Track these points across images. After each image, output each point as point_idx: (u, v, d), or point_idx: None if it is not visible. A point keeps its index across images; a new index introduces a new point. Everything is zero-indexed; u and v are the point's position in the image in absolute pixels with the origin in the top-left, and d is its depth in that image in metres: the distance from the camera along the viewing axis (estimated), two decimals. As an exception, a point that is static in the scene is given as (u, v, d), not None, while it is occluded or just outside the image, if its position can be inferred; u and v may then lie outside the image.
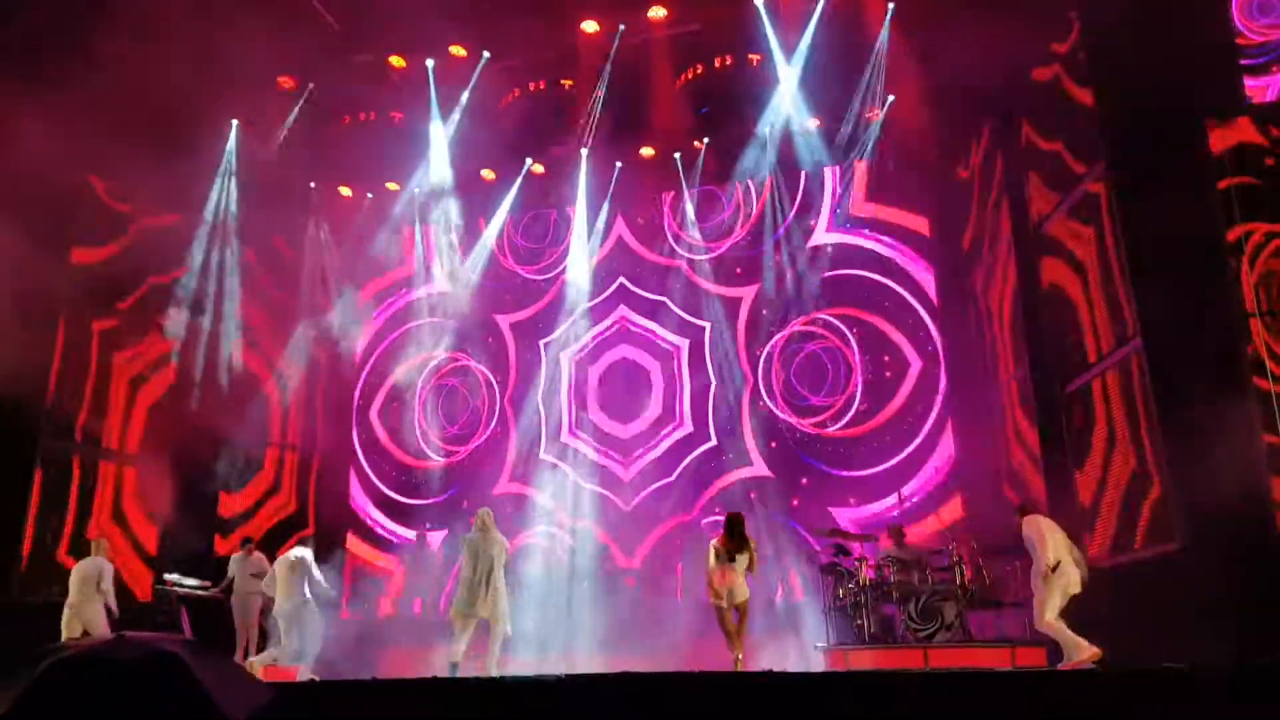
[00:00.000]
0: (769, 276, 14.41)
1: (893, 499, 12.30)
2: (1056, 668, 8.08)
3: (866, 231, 14.05)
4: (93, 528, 11.62)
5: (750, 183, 14.69)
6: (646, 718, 5.91)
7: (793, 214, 14.48)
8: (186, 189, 13.15)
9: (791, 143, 13.74)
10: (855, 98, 12.85)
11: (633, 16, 12.38)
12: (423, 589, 14.17)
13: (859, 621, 10.04)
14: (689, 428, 14.28)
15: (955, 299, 13.35)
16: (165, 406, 13.08)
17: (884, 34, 12.05)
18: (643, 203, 15.35)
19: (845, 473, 13.27)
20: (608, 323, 15.09)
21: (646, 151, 14.49)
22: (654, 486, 14.08)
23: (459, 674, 8.83)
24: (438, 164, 14.47)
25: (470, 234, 15.88)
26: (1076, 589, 8.08)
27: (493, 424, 15.27)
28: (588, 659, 11.21)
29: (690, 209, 14.91)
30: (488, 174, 15.20)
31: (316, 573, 10.28)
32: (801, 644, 11.25)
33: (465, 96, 13.52)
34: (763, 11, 12.03)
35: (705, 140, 14.28)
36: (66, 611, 9.90)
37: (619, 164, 14.77)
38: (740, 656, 8.55)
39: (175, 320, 13.16)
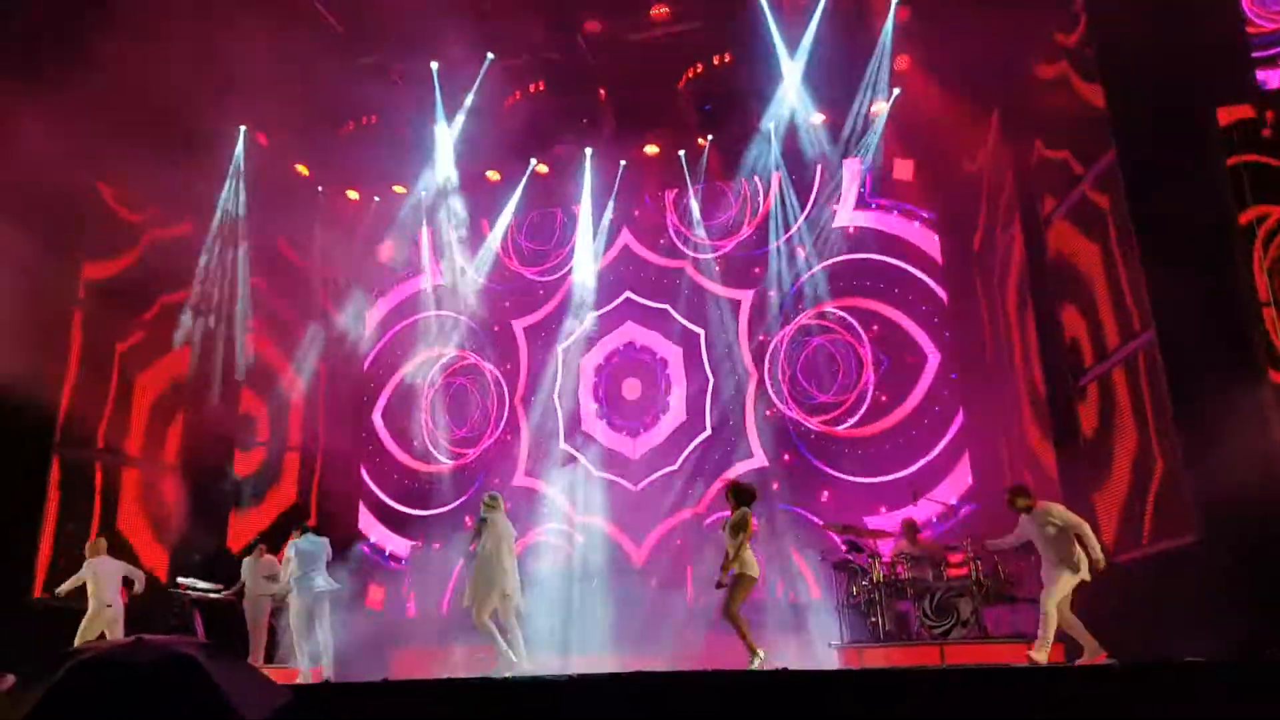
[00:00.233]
0: (774, 272, 14.38)
1: (904, 511, 12.17)
2: (1075, 663, 8.05)
3: (873, 226, 14.02)
4: (93, 533, 11.60)
5: (756, 178, 14.67)
6: (658, 718, 5.90)
7: (798, 208, 14.44)
8: (196, 195, 13.19)
9: (796, 137, 13.74)
10: (860, 91, 12.81)
11: (635, 15, 12.40)
12: (431, 587, 14.17)
13: (873, 619, 10.01)
14: (703, 429, 14.24)
15: (964, 293, 13.32)
16: (177, 411, 13.11)
17: (888, 26, 12.02)
18: (648, 201, 15.33)
19: (861, 479, 13.14)
20: (616, 321, 15.08)
21: (651, 149, 14.48)
22: (660, 473, 14.09)
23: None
24: (443, 166, 14.49)
25: (476, 235, 15.89)
26: (1087, 577, 8.04)
27: (502, 425, 15.26)
28: (598, 659, 11.19)
29: (695, 206, 14.89)
30: (492, 175, 15.21)
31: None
32: (815, 642, 11.20)
33: (469, 98, 13.55)
34: (765, 7, 12.01)
35: (709, 137, 14.26)
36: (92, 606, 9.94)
37: (623, 162, 14.77)
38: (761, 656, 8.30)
39: (187, 325, 13.19)
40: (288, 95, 13.57)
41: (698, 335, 14.58)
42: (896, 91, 12.74)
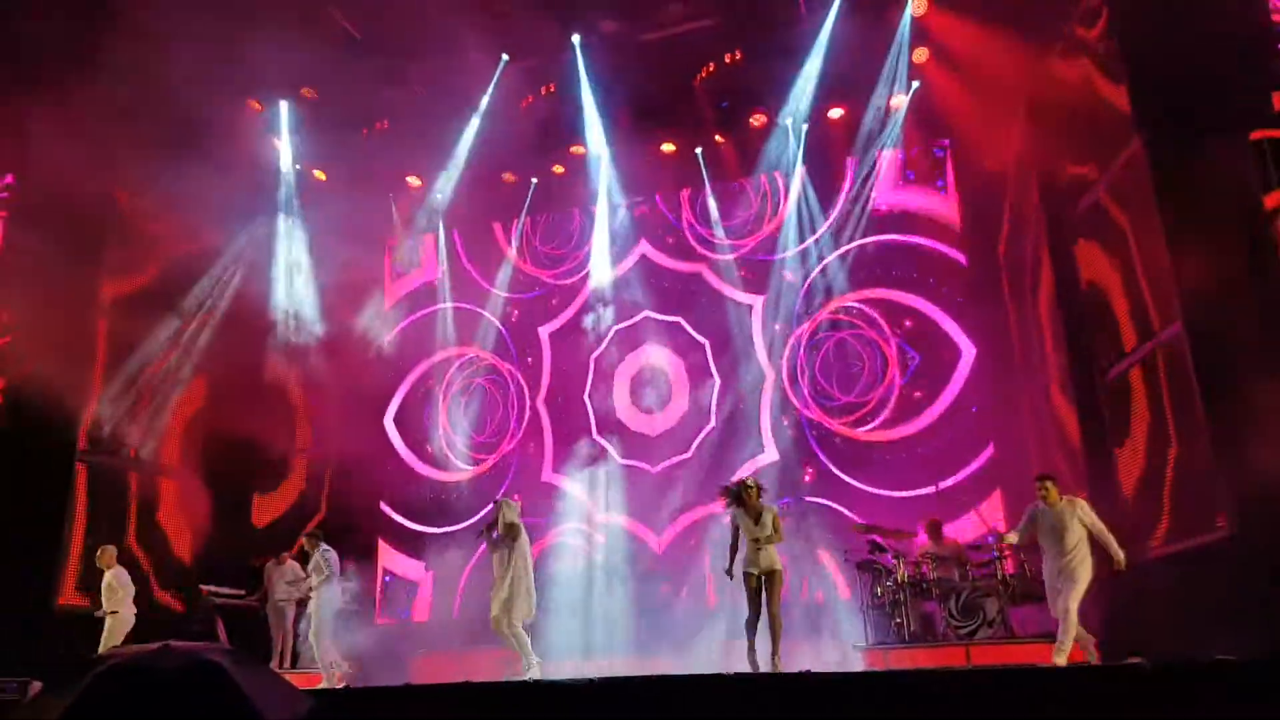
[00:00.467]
0: (794, 269, 14.29)
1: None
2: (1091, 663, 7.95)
3: (895, 221, 13.85)
4: (131, 539, 11.72)
5: (776, 175, 14.62)
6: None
7: (818, 204, 14.34)
8: (213, 200, 13.24)
9: (815, 133, 13.66)
10: (879, 86, 12.75)
11: (650, 12, 12.40)
12: (452, 593, 14.18)
13: (898, 620, 9.92)
14: (720, 430, 14.13)
15: (990, 288, 13.13)
16: (198, 418, 13.19)
17: (906, 18, 11.96)
18: (661, 201, 15.31)
19: (884, 491, 12.85)
20: (635, 325, 15.01)
21: (667, 148, 14.44)
22: (675, 460, 14.06)
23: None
24: (459, 167, 14.53)
25: (490, 237, 15.95)
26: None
27: (524, 427, 15.25)
28: (619, 661, 11.17)
29: (714, 204, 14.86)
30: (508, 176, 15.23)
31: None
32: (839, 644, 11.11)
33: (485, 100, 13.58)
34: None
35: (727, 134, 14.19)
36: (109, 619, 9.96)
37: (640, 161, 14.74)
38: (778, 658, 8.28)
39: (207, 331, 13.28)
40: (305, 100, 13.77)
41: (716, 338, 14.49)
42: (916, 85, 12.66)
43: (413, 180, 15.57)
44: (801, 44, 12.47)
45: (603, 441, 14.59)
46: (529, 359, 15.52)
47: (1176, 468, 8.82)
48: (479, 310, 15.86)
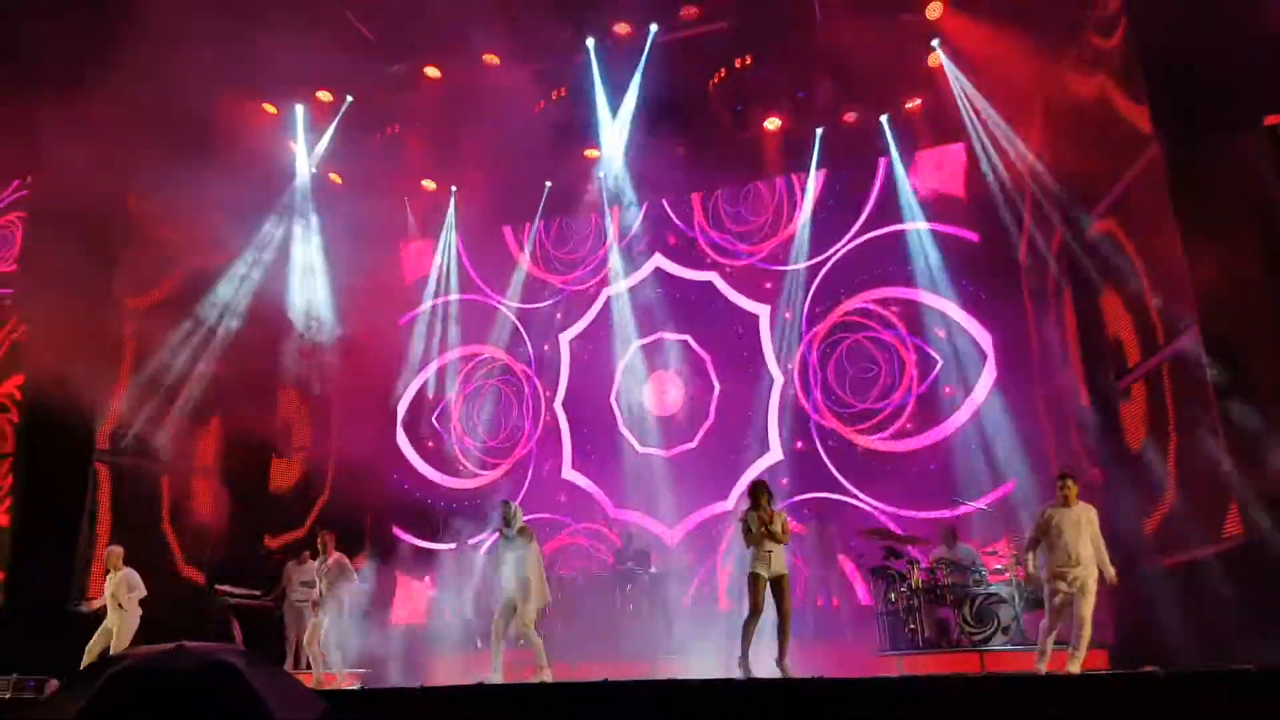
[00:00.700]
0: (806, 275, 14.28)
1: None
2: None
3: (907, 224, 13.81)
4: (103, 538, 11.70)
5: (793, 178, 14.61)
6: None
7: (833, 208, 14.34)
8: (228, 203, 13.33)
9: (832, 136, 13.64)
10: (896, 88, 12.73)
11: (664, 17, 12.42)
12: (465, 593, 14.21)
13: (912, 626, 9.88)
14: (736, 436, 14.17)
15: (1006, 294, 13.04)
16: (219, 419, 13.29)
17: (922, 21, 11.93)
18: (679, 204, 15.32)
19: (901, 512, 12.75)
20: (651, 326, 15.07)
21: (681, 151, 14.45)
22: (681, 448, 14.13)
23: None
24: (473, 170, 14.59)
25: (502, 242, 16.00)
26: None
27: (538, 432, 15.30)
28: (632, 664, 11.14)
29: (726, 208, 14.84)
30: (521, 179, 15.27)
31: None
32: (852, 649, 11.07)
33: (499, 103, 13.61)
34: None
35: (741, 138, 14.18)
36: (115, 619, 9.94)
37: (654, 163, 14.74)
38: (786, 663, 8.22)
39: (223, 332, 13.37)
40: (320, 104, 13.86)
41: (727, 344, 14.50)
42: (932, 87, 12.63)
43: (427, 184, 15.65)
44: (816, 48, 12.44)
45: (629, 432, 14.61)
46: (544, 362, 15.56)
47: (1192, 474, 8.75)
48: (491, 313, 15.94)
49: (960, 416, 12.91)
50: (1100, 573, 7.64)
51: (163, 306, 12.64)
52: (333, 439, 15.23)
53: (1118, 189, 9.97)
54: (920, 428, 13.15)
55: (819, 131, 13.78)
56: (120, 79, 10.09)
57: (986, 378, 12.89)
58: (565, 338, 15.54)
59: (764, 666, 8.03)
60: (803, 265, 14.31)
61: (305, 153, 14.36)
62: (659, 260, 15.25)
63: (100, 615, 9.79)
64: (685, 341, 14.74)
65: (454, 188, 15.71)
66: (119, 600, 9.72)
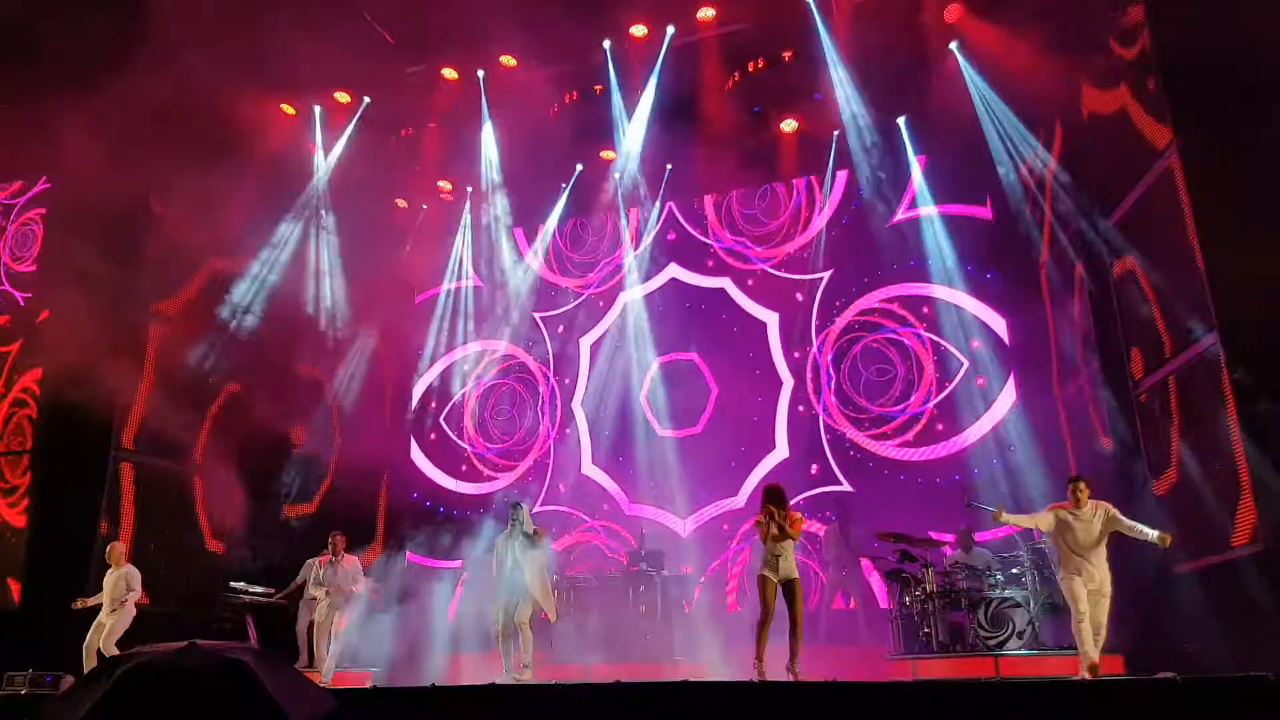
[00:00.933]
0: (826, 276, 14.23)
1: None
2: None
3: (924, 227, 13.74)
4: (125, 535, 11.79)
5: (811, 179, 14.57)
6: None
7: (849, 210, 14.28)
8: (247, 204, 13.43)
9: (847, 137, 13.61)
10: (912, 93, 12.67)
11: (681, 18, 12.41)
12: (481, 593, 14.23)
13: (926, 629, 9.81)
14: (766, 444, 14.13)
15: (1023, 297, 12.96)
16: (233, 418, 13.38)
17: (938, 24, 11.89)
18: (694, 204, 15.31)
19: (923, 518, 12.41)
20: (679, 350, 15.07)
21: (698, 152, 14.43)
22: (687, 432, 14.16)
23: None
24: (489, 173, 14.63)
25: (521, 242, 16.05)
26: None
27: (553, 433, 15.32)
28: (642, 665, 11.12)
29: (743, 208, 14.82)
30: (537, 180, 15.31)
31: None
32: (866, 652, 11.00)
33: (516, 105, 13.65)
34: (813, 7, 11.94)
35: (758, 140, 14.16)
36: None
37: (669, 166, 14.75)
38: (797, 668, 8.16)
39: (243, 335, 13.46)
40: (339, 106, 13.93)
41: (740, 346, 14.49)
42: (949, 89, 12.54)
43: (444, 185, 15.72)
44: (834, 50, 12.41)
45: (651, 417, 14.64)
46: (562, 363, 15.60)
47: (1210, 479, 8.65)
48: (506, 313, 16.00)
49: (982, 425, 12.84)
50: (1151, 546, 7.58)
51: (183, 304, 12.77)
52: (350, 437, 15.31)
53: (1136, 191, 9.89)
54: (941, 434, 13.06)
55: (835, 133, 13.72)
56: (140, 80, 10.19)
57: (1009, 387, 12.80)
58: (586, 341, 15.58)
59: (777, 669, 8.00)
60: (822, 272, 14.26)
61: (323, 154, 14.45)
62: (674, 270, 15.25)
63: (94, 611, 9.75)
64: (700, 343, 14.73)
65: (469, 188, 15.78)
66: (117, 597, 9.67)
